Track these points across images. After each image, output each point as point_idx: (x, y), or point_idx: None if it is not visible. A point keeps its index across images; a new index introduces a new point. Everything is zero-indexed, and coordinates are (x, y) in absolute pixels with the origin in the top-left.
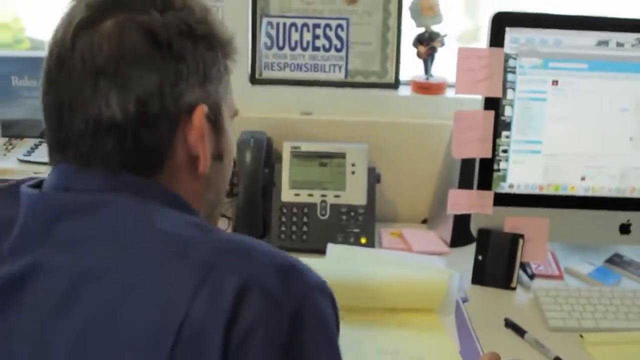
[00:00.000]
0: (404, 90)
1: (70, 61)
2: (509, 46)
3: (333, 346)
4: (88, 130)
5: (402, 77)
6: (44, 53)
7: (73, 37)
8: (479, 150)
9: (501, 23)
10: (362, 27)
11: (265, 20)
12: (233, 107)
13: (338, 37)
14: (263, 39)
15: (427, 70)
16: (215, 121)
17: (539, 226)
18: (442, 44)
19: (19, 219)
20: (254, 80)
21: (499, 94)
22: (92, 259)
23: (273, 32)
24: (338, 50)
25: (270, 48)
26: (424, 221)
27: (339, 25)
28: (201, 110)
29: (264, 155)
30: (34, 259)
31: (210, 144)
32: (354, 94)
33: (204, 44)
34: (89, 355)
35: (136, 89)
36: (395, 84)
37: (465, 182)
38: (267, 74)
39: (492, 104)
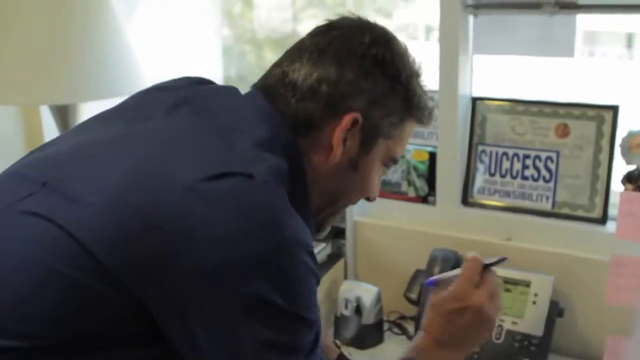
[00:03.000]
0: (612, 227)
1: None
2: None
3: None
4: (279, 77)
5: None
6: None
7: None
8: None
9: None
10: (572, 160)
11: (480, 147)
12: (393, 154)
13: (547, 168)
14: (477, 164)
15: None
16: (365, 137)
17: None
18: None
19: None
20: (465, 202)
21: None
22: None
23: (486, 160)
24: (546, 181)
25: (483, 174)
26: None
27: (549, 157)
28: (353, 116)
29: None
30: None
31: (350, 148)
32: (558, 225)
33: (390, 82)
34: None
35: (321, 70)
36: (603, 220)
37: None
38: (478, 197)
39: None
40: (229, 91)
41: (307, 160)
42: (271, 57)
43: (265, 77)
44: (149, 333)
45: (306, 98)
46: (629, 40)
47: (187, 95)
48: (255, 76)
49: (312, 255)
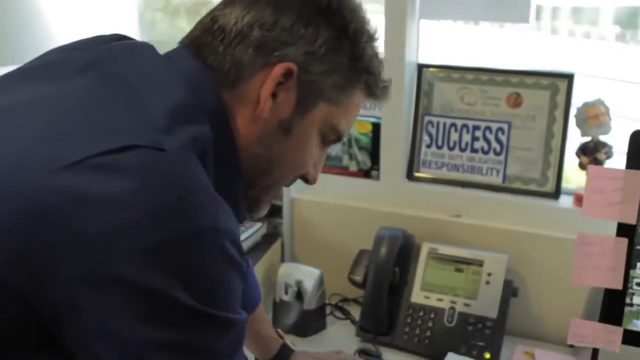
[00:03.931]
0: (565, 201)
1: None
2: None
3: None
4: (209, 24)
5: (566, 186)
6: None
7: None
8: (607, 280)
9: None
10: (524, 131)
11: (426, 118)
12: (336, 123)
13: (498, 140)
14: (423, 136)
15: None
16: (301, 95)
17: None
18: (609, 156)
19: None
20: (411, 176)
21: (633, 221)
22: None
23: (433, 131)
24: (497, 153)
25: (429, 146)
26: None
27: (500, 129)
28: (287, 66)
29: (398, 253)
30: None
31: (282, 105)
32: (509, 200)
33: (335, 35)
34: None
35: (254, 12)
36: (556, 194)
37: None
38: (424, 171)
39: (627, 230)
40: (145, 49)
41: (232, 120)
42: (185, 26)
43: (193, 29)
44: (39, 339)
45: (235, 44)
46: (537, 12)
47: (97, 55)
48: (167, 45)
49: (235, 243)
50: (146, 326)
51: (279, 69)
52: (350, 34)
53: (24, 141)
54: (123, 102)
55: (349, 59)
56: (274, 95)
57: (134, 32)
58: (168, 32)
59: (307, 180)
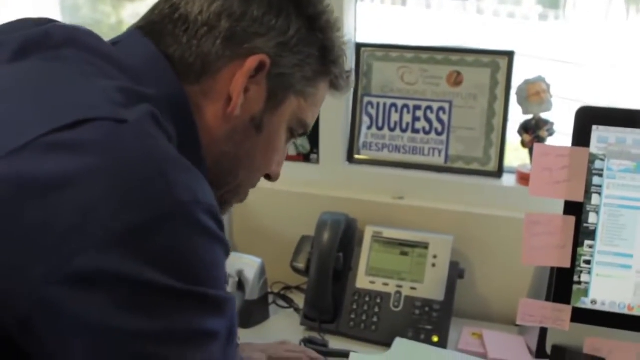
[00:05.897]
0: (508, 180)
1: None
2: (595, 145)
3: None
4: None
5: (508, 164)
6: None
7: None
8: (556, 259)
9: (587, 119)
10: (466, 110)
11: (366, 99)
12: (304, 117)
13: (439, 120)
14: (363, 118)
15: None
16: (273, 89)
17: (625, 351)
18: (550, 134)
19: None
20: (351, 159)
21: (580, 199)
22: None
23: (373, 112)
24: (439, 133)
25: (369, 128)
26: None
27: (441, 108)
28: (259, 58)
29: (341, 238)
30: None
31: (254, 100)
32: (453, 180)
33: (306, 25)
34: None
35: (221, 1)
36: (499, 173)
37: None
38: (365, 153)
39: (574, 208)
40: (86, 34)
41: (198, 115)
42: (109, 10)
43: (147, 15)
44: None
45: (201, 34)
46: None
47: (31, 39)
48: (91, 28)
49: (215, 217)
50: (132, 317)
51: (251, 62)
52: (322, 25)
53: None
54: (73, 81)
55: (319, 51)
56: (245, 90)
57: (56, 17)
58: (92, 17)
59: (269, 177)
